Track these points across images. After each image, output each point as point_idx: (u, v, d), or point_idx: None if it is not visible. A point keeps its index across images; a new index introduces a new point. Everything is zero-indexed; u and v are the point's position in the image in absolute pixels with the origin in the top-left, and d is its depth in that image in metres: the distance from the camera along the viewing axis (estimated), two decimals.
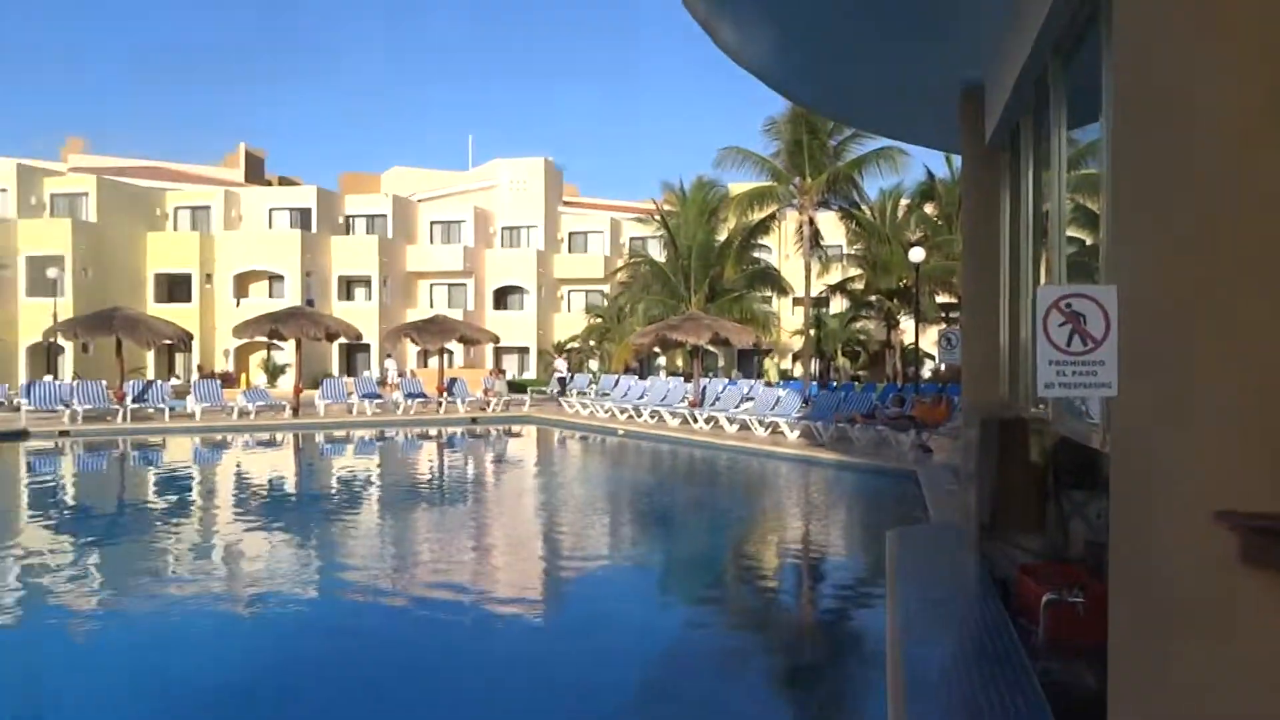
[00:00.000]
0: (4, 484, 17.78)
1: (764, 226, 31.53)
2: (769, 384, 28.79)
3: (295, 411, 25.96)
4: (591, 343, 39.72)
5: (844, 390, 25.38)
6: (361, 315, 39.19)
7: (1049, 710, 4.53)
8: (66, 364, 36.16)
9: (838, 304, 38.93)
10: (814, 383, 30.05)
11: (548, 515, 13.82)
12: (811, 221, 29.30)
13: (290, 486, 17.26)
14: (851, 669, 7.15)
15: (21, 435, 22.31)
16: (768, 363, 39.01)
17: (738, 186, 33.71)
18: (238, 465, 20.01)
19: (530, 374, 42.20)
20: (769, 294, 35.88)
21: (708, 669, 7.02)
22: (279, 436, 23.85)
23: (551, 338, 43.45)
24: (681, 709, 6.26)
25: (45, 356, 37.11)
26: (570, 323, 43.14)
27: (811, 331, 31.63)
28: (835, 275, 37.10)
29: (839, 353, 37.58)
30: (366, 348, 40.13)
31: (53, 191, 39.75)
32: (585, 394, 30.43)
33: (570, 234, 47.06)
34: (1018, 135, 8.09)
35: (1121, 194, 3.40)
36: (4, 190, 38.75)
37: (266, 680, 6.74)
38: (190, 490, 16.83)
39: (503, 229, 46.36)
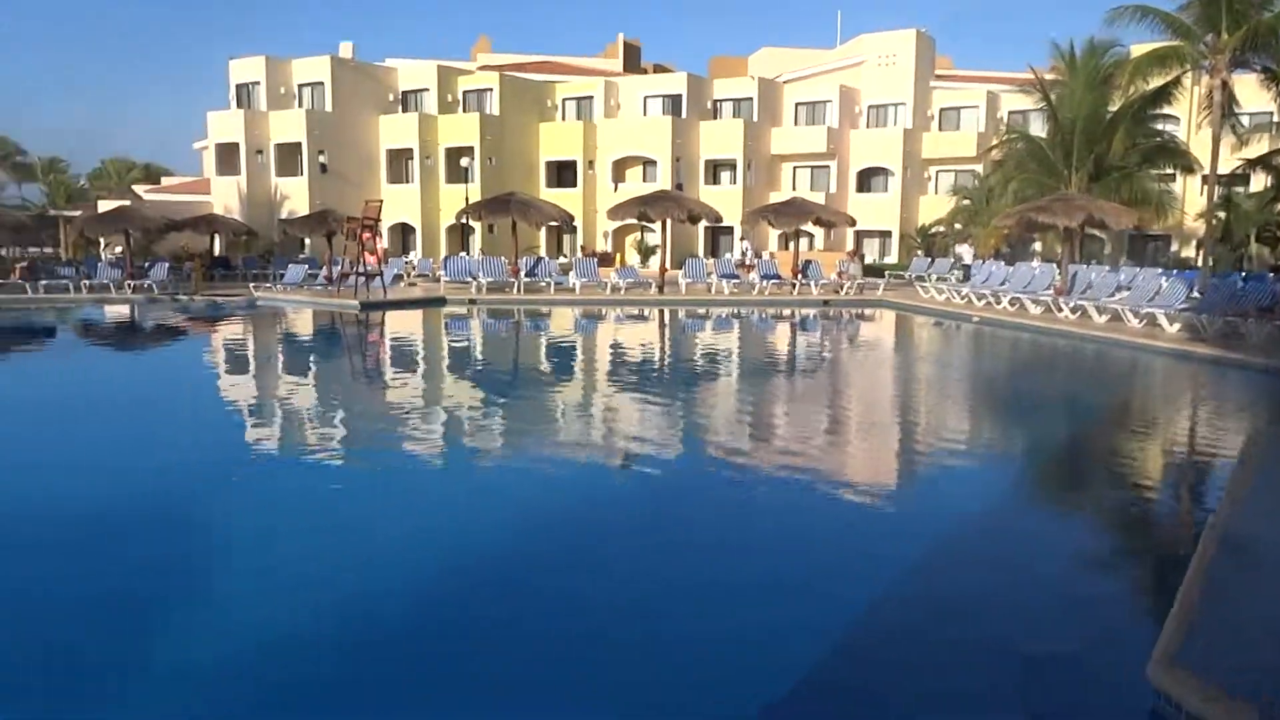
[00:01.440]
0: (430, 341, 21.31)
1: (1165, 94, 27.76)
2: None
3: (660, 289, 27.96)
4: (957, 225, 37.90)
5: (1250, 280, 22.19)
6: (726, 198, 40.54)
7: None
8: (476, 242, 41.55)
9: (1258, 181, 33.48)
10: (1229, 273, 26.50)
11: (889, 398, 13.99)
12: (1225, 86, 25.33)
13: (651, 356, 18.90)
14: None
15: (440, 302, 26.42)
16: None
17: (1139, 48, 29.82)
18: (607, 334, 22.21)
19: (891, 258, 41.34)
20: (1170, 171, 31.77)
21: (1067, 573, 6.54)
22: (645, 311, 25.95)
23: (915, 221, 42.03)
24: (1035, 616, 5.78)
25: (460, 235, 42.92)
26: (936, 205, 41.35)
27: (1219, 214, 27.69)
28: (1256, 148, 31.83)
29: (1254, 238, 32.56)
30: (729, 230, 41.57)
31: (464, 89, 44.95)
32: (946, 279, 29.48)
33: (941, 110, 44.55)
34: None
35: None
36: (427, 90, 44.53)
37: (626, 524, 7.84)
38: (566, 354, 19.13)
39: (868, 108, 44.99)
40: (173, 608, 5.70)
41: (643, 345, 20.70)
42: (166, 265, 30.78)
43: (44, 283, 28.72)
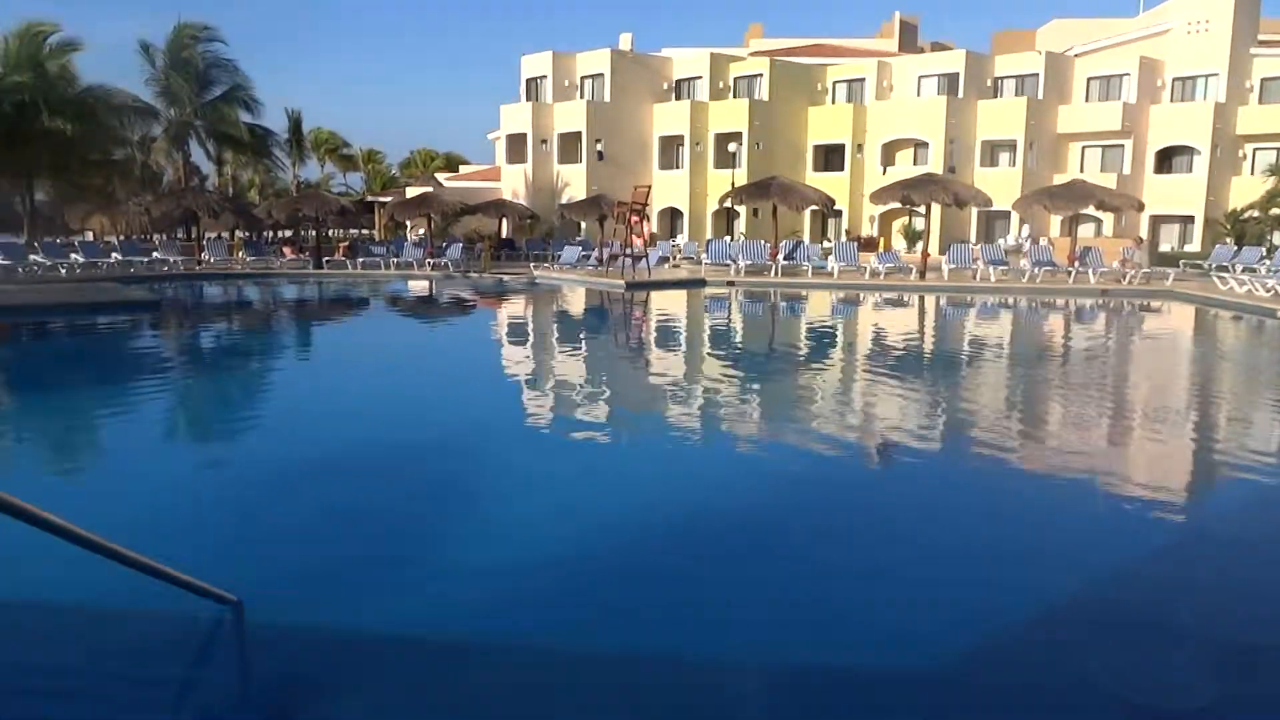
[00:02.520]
0: (686, 320, 22.32)
1: None
2: None
3: (922, 275, 27.35)
4: (1275, 211, 33.81)
5: None
6: (1003, 181, 38.62)
7: None
8: (740, 226, 42.36)
9: None
10: None
11: (1175, 397, 13.10)
12: None
13: (901, 341, 18.74)
14: None
15: (700, 283, 27.42)
16: None
17: None
18: (858, 318, 22.18)
19: (1193, 245, 37.55)
20: None
21: None
22: (903, 296, 25.53)
23: (1225, 205, 37.86)
24: None
25: (725, 219, 43.91)
26: (1251, 187, 37.00)
27: None
28: None
29: None
30: (1005, 215, 39.55)
31: (735, 75, 45.75)
32: (1254, 269, 26.60)
33: (1262, 80, 39.67)
34: None
35: None
36: (699, 77, 45.80)
37: (866, 510, 8.26)
38: (813, 336, 19.39)
39: (1173, 80, 40.92)
40: (463, 524, 6.80)
41: (893, 331, 20.52)
42: (460, 245, 34.11)
43: (361, 260, 32.86)
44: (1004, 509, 7.57)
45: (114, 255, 32.07)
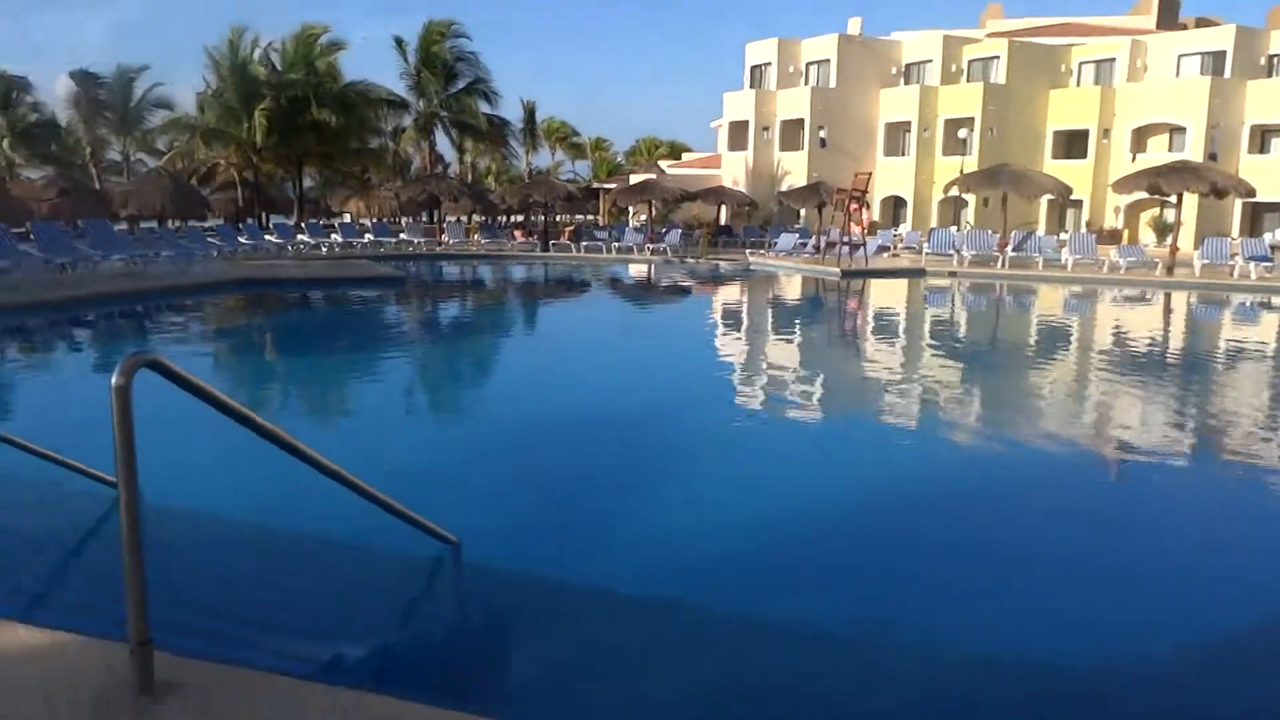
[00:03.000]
0: (902, 310, 21.80)
1: None
2: None
3: (1169, 270, 25.22)
4: None
5: None
6: (1275, 169, 34.84)
7: None
8: (969, 215, 40.57)
9: None
10: None
11: None
12: None
13: (1137, 340, 17.46)
14: None
15: (920, 273, 26.62)
16: None
17: None
18: (1091, 315, 20.79)
19: None
20: None
21: None
22: (1144, 293, 23.66)
23: None
24: None
25: (953, 209, 42.19)
26: None
27: None
28: None
29: None
30: (1277, 207, 35.64)
31: (969, 58, 43.75)
32: None
33: None
34: None
35: None
36: (930, 61, 44.16)
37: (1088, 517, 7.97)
38: (1041, 331, 18.41)
39: None
40: (664, 493, 7.18)
41: (1128, 328, 19.11)
42: (679, 231, 34.81)
43: (585, 243, 34.27)
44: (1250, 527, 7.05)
45: (367, 236, 35.24)
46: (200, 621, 4.48)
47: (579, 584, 5.39)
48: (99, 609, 4.43)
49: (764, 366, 13.63)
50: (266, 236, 31.87)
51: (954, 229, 36.24)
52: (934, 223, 41.09)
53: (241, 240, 29.03)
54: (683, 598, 5.30)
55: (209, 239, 28.39)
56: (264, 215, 40.72)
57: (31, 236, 22.79)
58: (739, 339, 16.69)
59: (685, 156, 59.85)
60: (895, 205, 44.64)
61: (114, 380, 3.01)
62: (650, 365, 13.46)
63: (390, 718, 3.34)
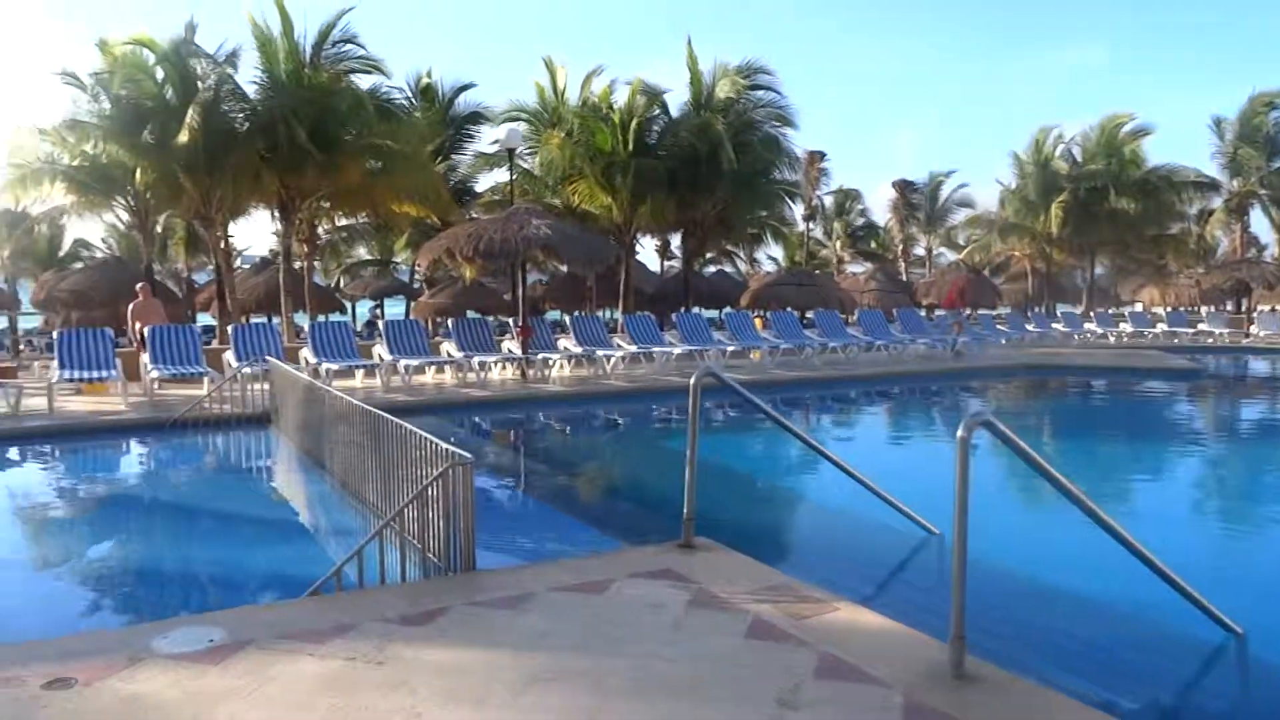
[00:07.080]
0: None
1: None
2: None
3: None
4: None
5: None
6: None
7: None
8: None
9: None
10: None
11: None
12: None
13: None
14: None
15: None
16: None
17: None
18: None
19: None
20: None
21: None
22: None
23: None
24: None
25: None
26: None
27: None
28: None
29: None
30: None
31: None
32: None
33: None
34: None
35: None
36: None
37: None
38: None
39: None
40: None
41: None
42: None
43: None
44: None
45: (1159, 325, 33.38)
46: (987, 641, 5.39)
47: None
48: (919, 608, 5.64)
49: None
50: (1053, 325, 32.42)
51: None
52: None
53: (1028, 328, 30.11)
54: None
55: (998, 326, 30.09)
56: (1052, 304, 41.41)
57: (856, 321, 27.19)
58: None
59: None
60: None
61: (959, 433, 4.14)
62: None
63: None
